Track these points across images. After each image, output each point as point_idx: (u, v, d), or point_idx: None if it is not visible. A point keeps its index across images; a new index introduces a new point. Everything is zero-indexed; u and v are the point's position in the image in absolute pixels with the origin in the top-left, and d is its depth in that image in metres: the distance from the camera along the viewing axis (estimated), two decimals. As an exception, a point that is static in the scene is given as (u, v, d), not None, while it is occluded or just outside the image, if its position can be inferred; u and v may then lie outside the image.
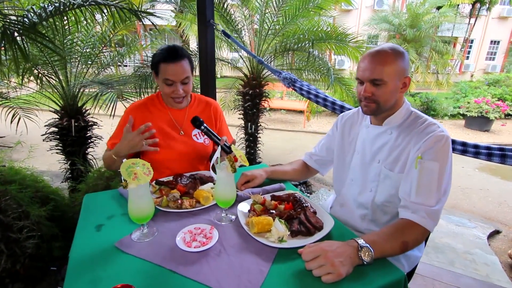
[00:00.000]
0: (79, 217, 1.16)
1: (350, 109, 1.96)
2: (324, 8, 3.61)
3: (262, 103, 4.05)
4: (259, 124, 4.15)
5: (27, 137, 2.46)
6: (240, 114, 4.14)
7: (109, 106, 2.30)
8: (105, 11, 1.88)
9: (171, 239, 0.99)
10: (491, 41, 15.86)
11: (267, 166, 1.52)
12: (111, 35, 2.98)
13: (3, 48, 1.66)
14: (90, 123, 2.87)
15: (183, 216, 1.14)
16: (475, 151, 1.66)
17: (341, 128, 1.40)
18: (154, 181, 1.32)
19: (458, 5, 11.72)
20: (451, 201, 3.75)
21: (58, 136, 2.79)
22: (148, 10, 2.67)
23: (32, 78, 2.50)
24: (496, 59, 16.20)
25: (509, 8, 14.81)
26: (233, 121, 4.41)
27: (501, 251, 2.70)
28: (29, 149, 2.34)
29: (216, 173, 1.12)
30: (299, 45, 3.47)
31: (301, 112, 8.25)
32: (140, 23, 2.06)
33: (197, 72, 2.77)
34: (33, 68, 2.43)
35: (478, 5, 12.22)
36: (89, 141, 2.91)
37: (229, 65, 4.16)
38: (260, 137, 4.24)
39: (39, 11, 1.75)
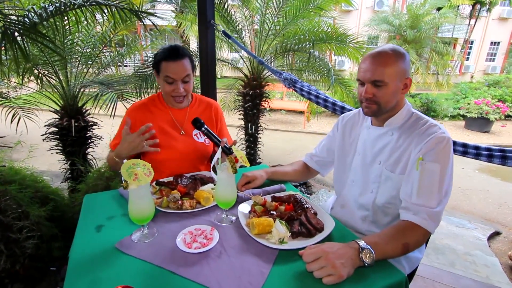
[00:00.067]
0: (79, 217, 1.16)
1: (350, 110, 1.95)
2: (324, 9, 3.61)
3: (262, 104, 4.05)
4: (259, 125, 4.15)
5: (27, 137, 2.46)
6: (240, 115, 4.13)
7: (109, 106, 2.30)
8: (105, 11, 1.88)
9: (171, 240, 0.99)
10: (491, 42, 15.85)
11: (267, 167, 1.52)
12: (112, 35, 2.98)
13: (3, 48, 1.66)
14: (90, 123, 2.86)
15: (184, 217, 1.14)
16: (476, 152, 1.66)
17: (341, 129, 1.39)
18: (155, 182, 1.32)
19: (458, 6, 11.74)
20: (451, 202, 3.75)
21: (58, 136, 2.78)
22: (148, 10, 2.68)
23: (32, 78, 2.50)
24: (496, 60, 16.19)
25: (509, 9, 14.80)
26: (233, 121, 4.42)
27: (501, 253, 2.70)
28: (29, 149, 2.33)
29: (216, 174, 1.12)
30: (300, 45, 3.47)
31: (301, 112, 8.25)
32: (140, 23, 2.06)
33: (197, 72, 2.77)
34: (33, 68, 2.43)
35: (478, 6, 12.24)
36: (89, 141, 2.91)
37: (230, 65, 4.16)
38: (260, 138, 4.23)
39: (40, 11, 1.75)
